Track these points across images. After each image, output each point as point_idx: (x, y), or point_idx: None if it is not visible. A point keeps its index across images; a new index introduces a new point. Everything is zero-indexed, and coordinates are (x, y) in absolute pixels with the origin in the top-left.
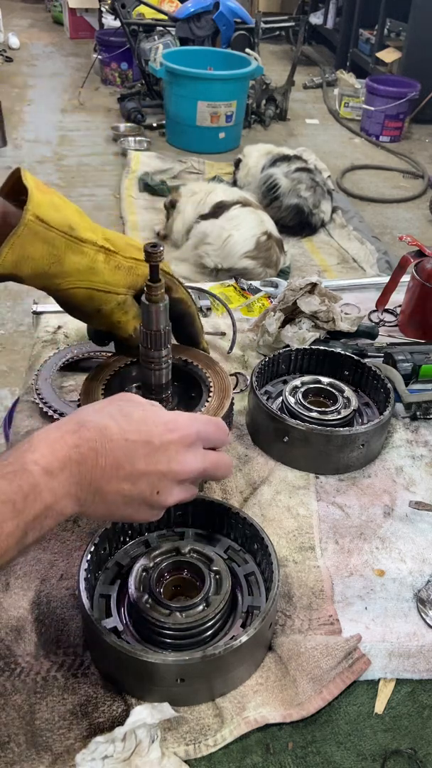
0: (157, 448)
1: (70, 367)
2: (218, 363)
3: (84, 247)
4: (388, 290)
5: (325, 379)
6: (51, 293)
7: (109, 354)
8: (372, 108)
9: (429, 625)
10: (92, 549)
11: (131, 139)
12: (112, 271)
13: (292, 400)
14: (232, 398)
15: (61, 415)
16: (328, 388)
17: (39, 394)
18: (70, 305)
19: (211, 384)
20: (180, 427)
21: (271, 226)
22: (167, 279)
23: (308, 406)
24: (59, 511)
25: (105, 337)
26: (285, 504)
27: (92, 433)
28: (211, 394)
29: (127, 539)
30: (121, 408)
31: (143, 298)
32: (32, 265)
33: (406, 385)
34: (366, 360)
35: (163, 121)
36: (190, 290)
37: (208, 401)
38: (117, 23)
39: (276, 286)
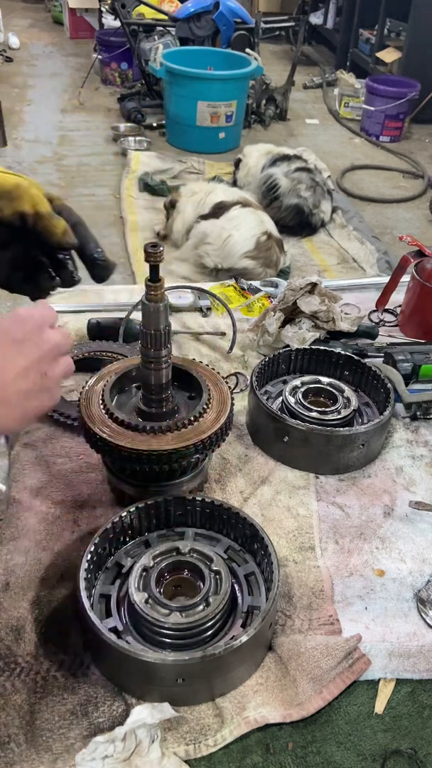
0: (23, 342)
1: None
2: (205, 366)
3: None
4: (388, 290)
5: (325, 379)
6: None
7: (110, 353)
8: (372, 108)
9: (429, 625)
10: (92, 549)
11: (131, 139)
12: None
13: (292, 400)
14: (232, 399)
15: (62, 415)
16: (328, 388)
17: None
18: None
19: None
20: (26, 317)
21: (271, 226)
22: (44, 192)
23: (308, 406)
24: None
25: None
26: (285, 504)
27: None
28: (210, 402)
29: (127, 539)
30: None
31: (143, 298)
32: None
33: (406, 385)
34: (366, 360)
35: (163, 121)
36: (190, 290)
37: (206, 408)
38: (117, 23)
39: (276, 286)
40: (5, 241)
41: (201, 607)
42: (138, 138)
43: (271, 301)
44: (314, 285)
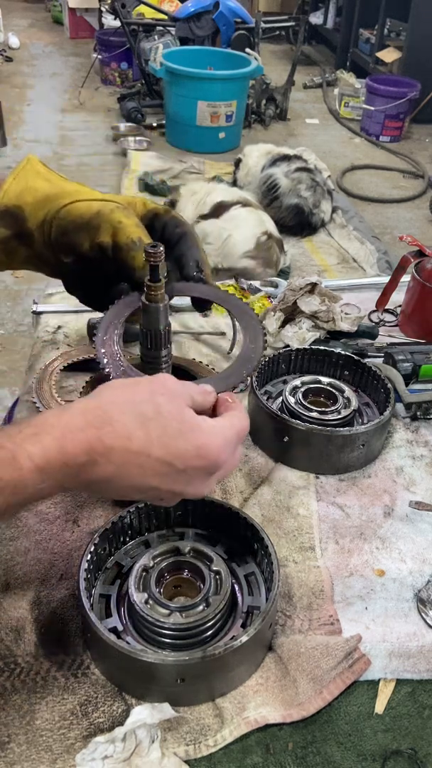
0: (177, 471)
1: (72, 367)
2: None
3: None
4: (388, 290)
5: (325, 379)
6: (48, 224)
7: None
8: (372, 108)
9: (429, 625)
10: (92, 549)
11: (131, 139)
12: (110, 196)
13: (292, 400)
14: None
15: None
16: (328, 388)
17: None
18: (67, 224)
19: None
20: (210, 455)
21: (271, 226)
22: (151, 207)
23: (308, 406)
24: (40, 498)
25: (103, 275)
26: (285, 504)
27: (113, 439)
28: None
29: (127, 539)
30: (159, 411)
31: (143, 297)
32: (34, 194)
33: (406, 385)
34: (366, 360)
35: (163, 121)
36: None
37: None
38: (117, 23)
39: (276, 286)
40: (89, 272)
41: (201, 607)
42: (138, 138)
43: (271, 301)
44: (314, 285)
